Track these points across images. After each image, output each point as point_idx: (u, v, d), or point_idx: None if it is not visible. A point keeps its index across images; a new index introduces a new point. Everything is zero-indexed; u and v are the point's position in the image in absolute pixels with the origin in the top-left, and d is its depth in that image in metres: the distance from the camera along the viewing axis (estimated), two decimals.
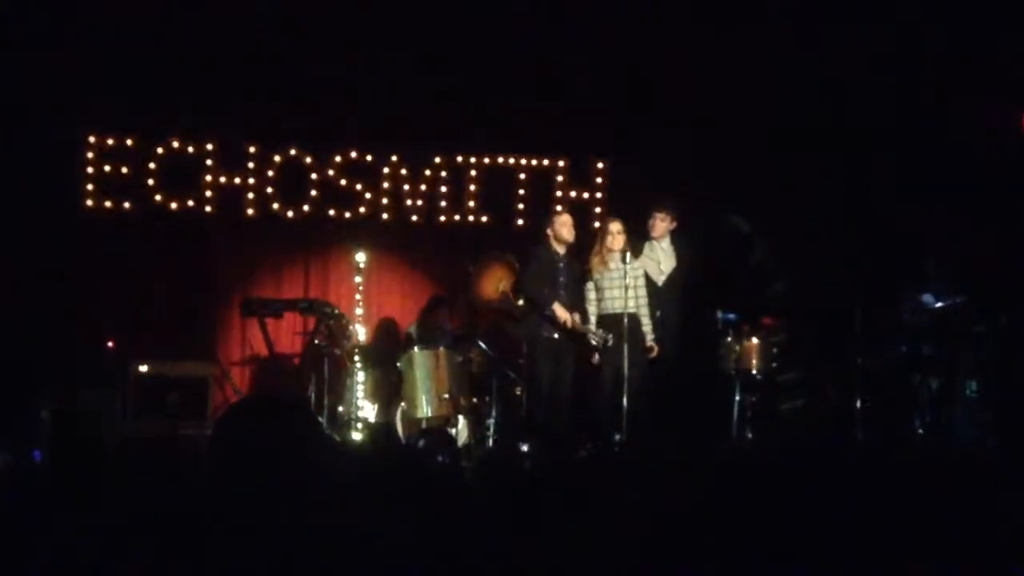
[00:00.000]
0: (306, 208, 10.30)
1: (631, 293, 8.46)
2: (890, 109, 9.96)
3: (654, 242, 8.91)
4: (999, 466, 6.63)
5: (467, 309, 9.31)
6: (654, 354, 8.59)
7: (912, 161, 9.89)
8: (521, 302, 8.53)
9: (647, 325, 8.61)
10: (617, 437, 8.01)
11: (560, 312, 8.48)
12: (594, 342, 8.41)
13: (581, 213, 9.16)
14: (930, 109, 9.90)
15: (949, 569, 3.76)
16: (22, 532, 3.84)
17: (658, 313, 8.74)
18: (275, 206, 10.26)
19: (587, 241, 8.95)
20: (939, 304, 8.77)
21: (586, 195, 10.59)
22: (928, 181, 9.85)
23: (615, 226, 8.68)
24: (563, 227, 8.74)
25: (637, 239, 8.80)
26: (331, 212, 10.35)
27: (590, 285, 8.72)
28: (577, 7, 10.14)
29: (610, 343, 8.33)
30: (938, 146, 9.85)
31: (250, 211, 10.24)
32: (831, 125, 10.02)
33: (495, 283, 8.62)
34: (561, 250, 8.74)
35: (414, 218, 10.47)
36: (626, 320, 8.28)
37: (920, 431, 8.50)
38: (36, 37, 9.62)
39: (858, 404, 8.39)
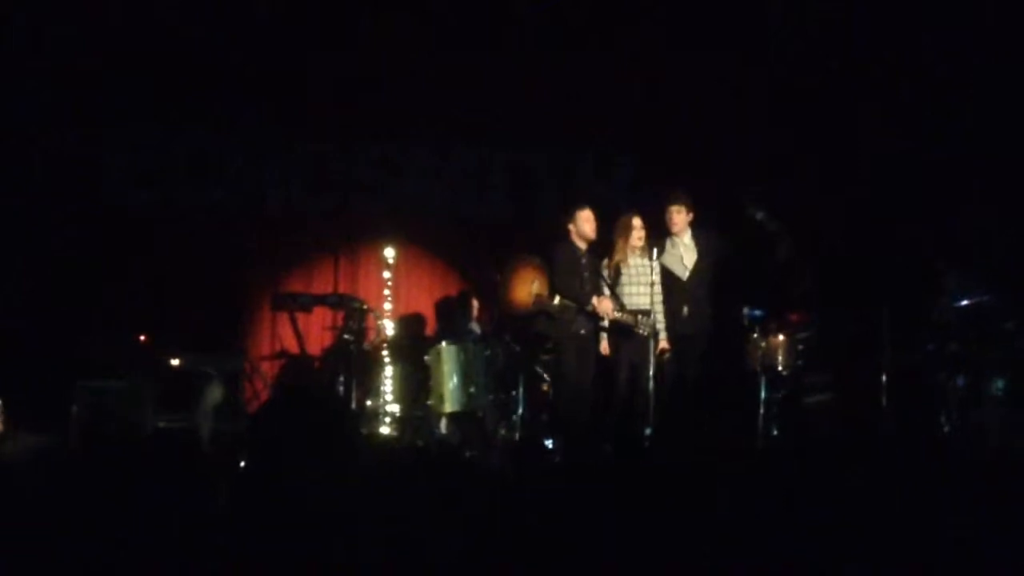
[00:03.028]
0: (331, 202, 10.40)
1: (656, 289, 8.49)
2: (916, 103, 9.94)
3: (675, 238, 8.89)
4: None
5: (501, 316, 9.28)
6: (666, 355, 8.58)
7: (940, 157, 9.86)
8: (556, 301, 8.53)
9: (661, 323, 8.61)
10: (648, 432, 8.02)
11: (602, 305, 8.48)
12: (640, 330, 8.36)
13: (605, 208, 9.16)
14: (956, 103, 9.87)
15: (974, 566, 3.78)
16: (52, 514, 3.91)
17: (686, 309, 8.73)
18: (302, 200, 10.36)
19: (608, 236, 8.89)
20: (966, 302, 8.74)
21: (610, 189, 10.61)
22: (956, 177, 9.82)
23: (636, 221, 8.67)
24: (585, 223, 8.72)
25: (658, 236, 8.79)
26: (355, 207, 10.43)
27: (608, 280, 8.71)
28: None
29: (653, 328, 8.31)
30: (965, 141, 9.83)
31: (277, 205, 10.34)
32: (857, 119, 10.02)
33: (527, 287, 8.64)
34: (583, 246, 8.74)
35: (438, 213, 10.54)
36: (652, 316, 8.32)
37: (946, 429, 8.48)
38: (60, 29, 9.73)
39: (884, 402, 8.38)
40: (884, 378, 8.42)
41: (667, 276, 8.74)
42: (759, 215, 8.86)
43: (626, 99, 10.30)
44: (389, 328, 9.58)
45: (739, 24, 10.08)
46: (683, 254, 8.86)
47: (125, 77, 9.87)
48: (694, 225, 8.91)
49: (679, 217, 8.85)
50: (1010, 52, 9.63)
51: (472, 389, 8.83)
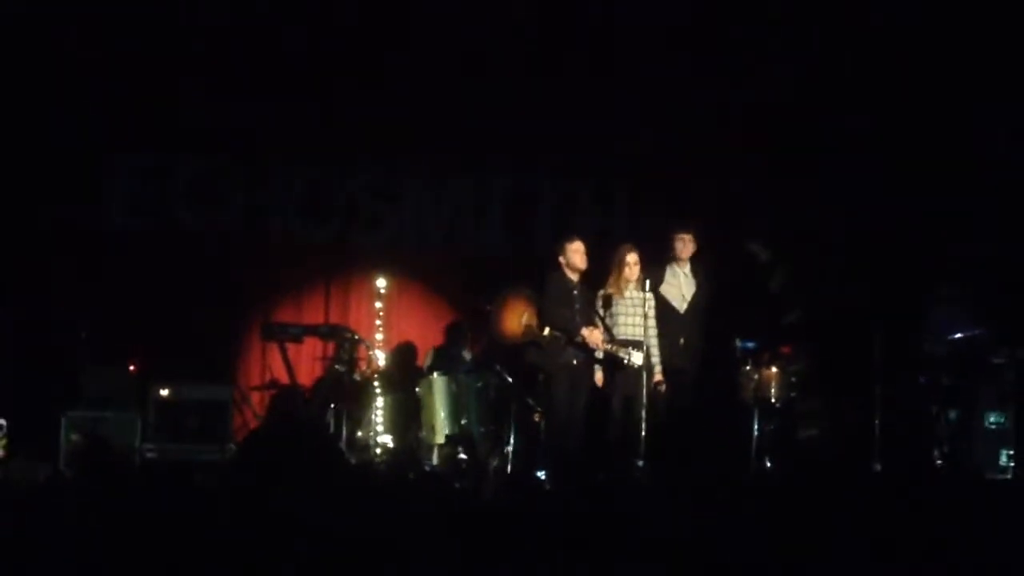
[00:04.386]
0: (328, 231, 10.40)
1: (650, 322, 8.45)
2: (913, 132, 9.96)
3: (675, 268, 8.84)
4: (1017, 498, 6.62)
5: (493, 347, 9.25)
6: (663, 388, 8.54)
7: (936, 190, 9.88)
8: (546, 332, 8.50)
9: (656, 356, 8.56)
10: (640, 463, 7.99)
11: (592, 336, 8.44)
12: (627, 362, 8.31)
13: (603, 238, 9.15)
14: (956, 133, 9.89)
15: None
16: (47, 542, 3.88)
17: (681, 340, 8.69)
18: (297, 229, 10.37)
19: (603, 268, 8.86)
20: (958, 335, 8.75)
21: (607, 221, 10.61)
22: (951, 210, 9.84)
23: (631, 257, 8.61)
24: (575, 254, 8.66)
25: (657, 267, 8.76)
26: (353, 236, 10.43)
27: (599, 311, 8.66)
28: (600, 28, 10.22)
29: (647, 360, 8.26)
30: (962, 174, 9.85)
31: (272, 234, 10.34)
32: (848, 148, 10.05)
33: (517, 318, 8.60)
34: (575, 277, 8.69)
35: (435, 243, 10.54)
36: (645, 348, 8.29)
37: (939, 462, 8.49)
38: (63, 55, 9.77)
39: (877, 434, 8.37)
40: (876, 411, 8.41)
41: (664, 308, 8.67)
42: (753, 246, 8.87)
43: (625, 128, 10.32)
44: (380, 359, 9.54)
45: (736, 55, 10.12)
46: (683, 285, 8.81)
47: (123, 102, 9.89)
48: (694, 257, 8.89)
49: (684, 245, 8.80)
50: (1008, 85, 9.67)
51: (463, 420, 8.81)
